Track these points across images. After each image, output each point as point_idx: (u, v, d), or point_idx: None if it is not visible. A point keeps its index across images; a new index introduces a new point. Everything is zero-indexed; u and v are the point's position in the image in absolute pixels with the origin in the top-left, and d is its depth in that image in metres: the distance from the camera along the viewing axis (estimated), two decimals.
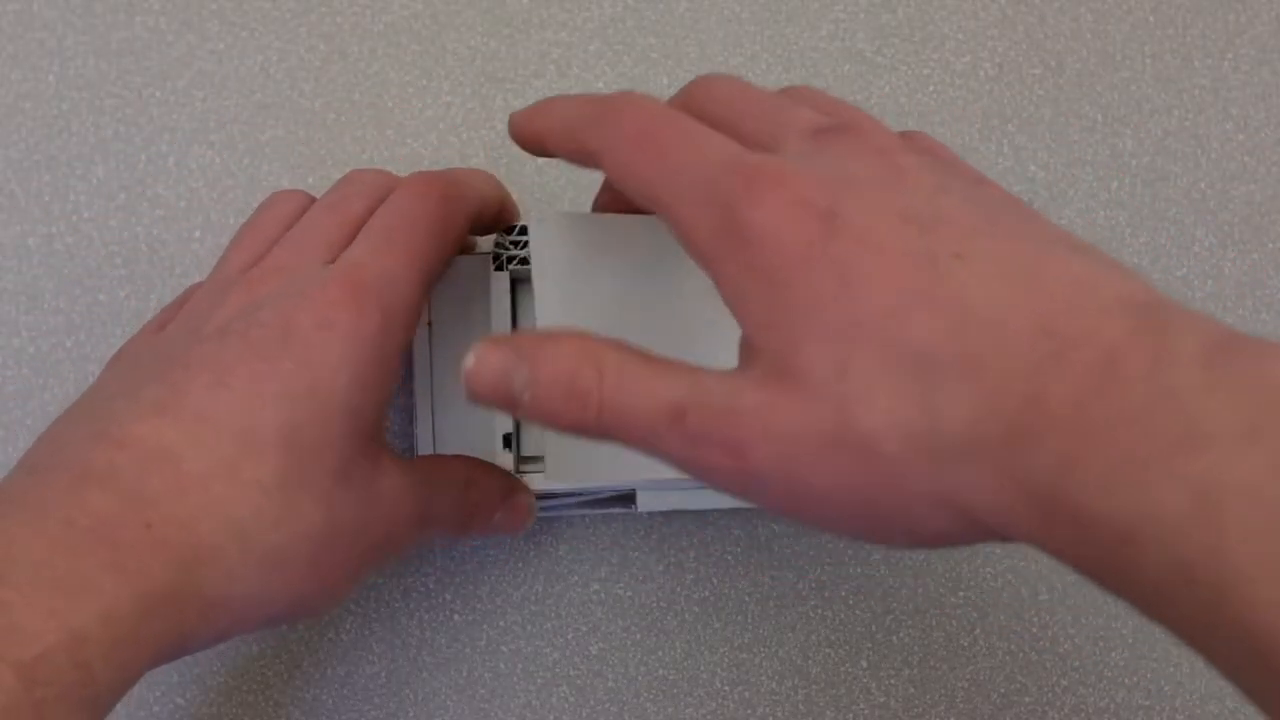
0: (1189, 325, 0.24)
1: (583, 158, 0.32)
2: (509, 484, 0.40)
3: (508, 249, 0.40)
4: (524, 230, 0.40)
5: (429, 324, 0.42)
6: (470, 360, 0.29)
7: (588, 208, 0.45)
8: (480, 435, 0.41)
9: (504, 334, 0.31)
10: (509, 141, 0.45)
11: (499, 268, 0.40)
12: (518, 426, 0.41)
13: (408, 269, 0.35)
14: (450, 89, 0.46)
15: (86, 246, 0.45)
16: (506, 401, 0.29)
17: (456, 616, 0.44)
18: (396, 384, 0.36)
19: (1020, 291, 0.26)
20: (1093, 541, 0.24)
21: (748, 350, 0.28)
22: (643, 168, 0.30)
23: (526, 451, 0.41)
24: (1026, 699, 0.44)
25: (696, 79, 0.33)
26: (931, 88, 0.46)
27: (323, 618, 0.44)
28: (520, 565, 0.44)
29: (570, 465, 0.34)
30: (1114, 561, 0.24)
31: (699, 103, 0.32)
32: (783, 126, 0.30)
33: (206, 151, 0.45)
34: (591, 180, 0.45)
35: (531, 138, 0.34)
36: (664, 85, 0.46)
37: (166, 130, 0.45)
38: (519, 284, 0.41)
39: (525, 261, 0.40)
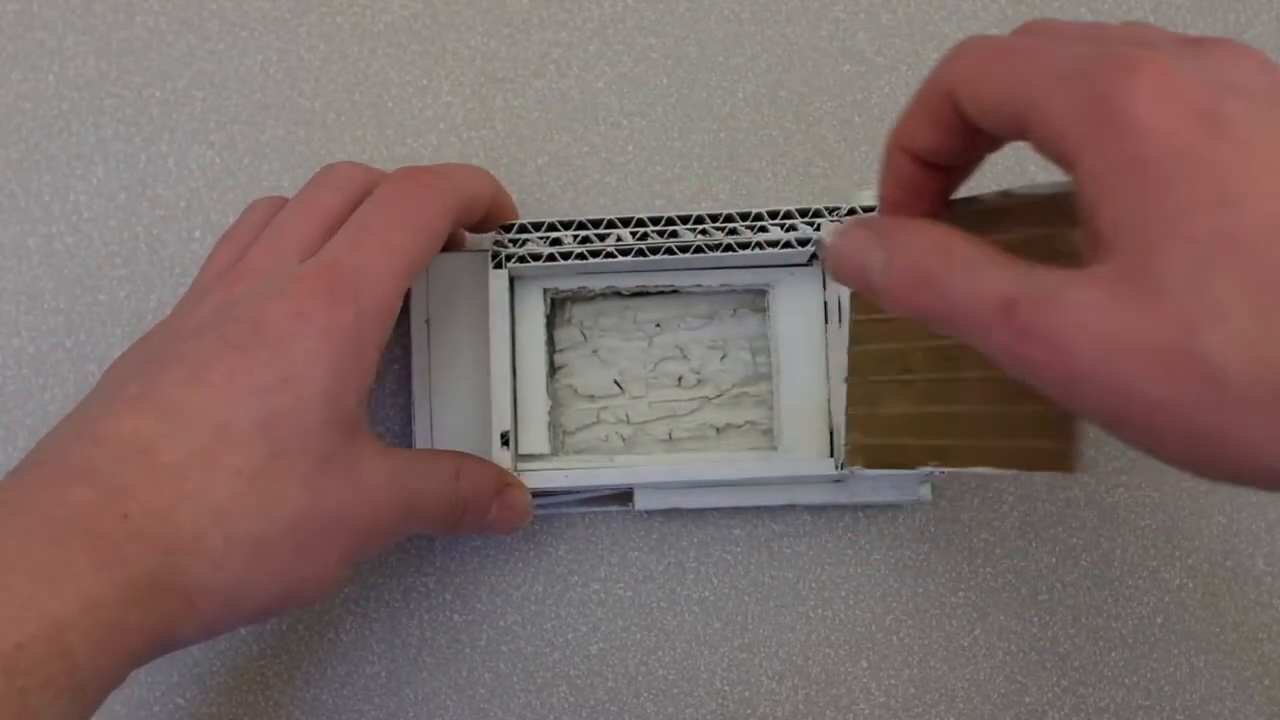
0: None
1: (943, 110, 0.30)
2: (502, 479, 0.40)
3: (506, 247, 0.40)
4: (523, 229, 0.40)
5: (427, 321, 0.42)
6: (833, 238, 0.31)
7: (587, 208, 0.45)
8: (478, 432, 0.41)
9: (868, 217, 0.32)
10: (509, 141, 0.45)
11: (498, 265, 0.40)
12: (515, 424, 0.41)
13: (385, 263, 0.36)
14: (450, 89, 0.46)
15: (86, 246, 0.45)
16: (861, 281, 0.30)
17: (456, 616, 0.44)
18: (374, 373, 0.36)
19: None
20: None
21: (1097, 247, 0.26)
22: (1002, 72, 0.28)
23: (525, 449, 0.41)
24: (1026, 699, 0.44)
25: (1027, 21, 0.32)
26: None
27: (317, 610, 0.44)
28: (520, 565, 0.44)
29: None
30: None
31: (1043, 32, 0.31)
32: (1147, 37, 0.28)
33: (206, 151, 0.45)
34: (592, 183, 0.45)
35: (894, 136, 0.32)
36: (664, 85, 0.46)
37: (166, 130, 0.45)
38: (517, 281, 0.42)
39: (523, 259, 0.40)
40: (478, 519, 0.39)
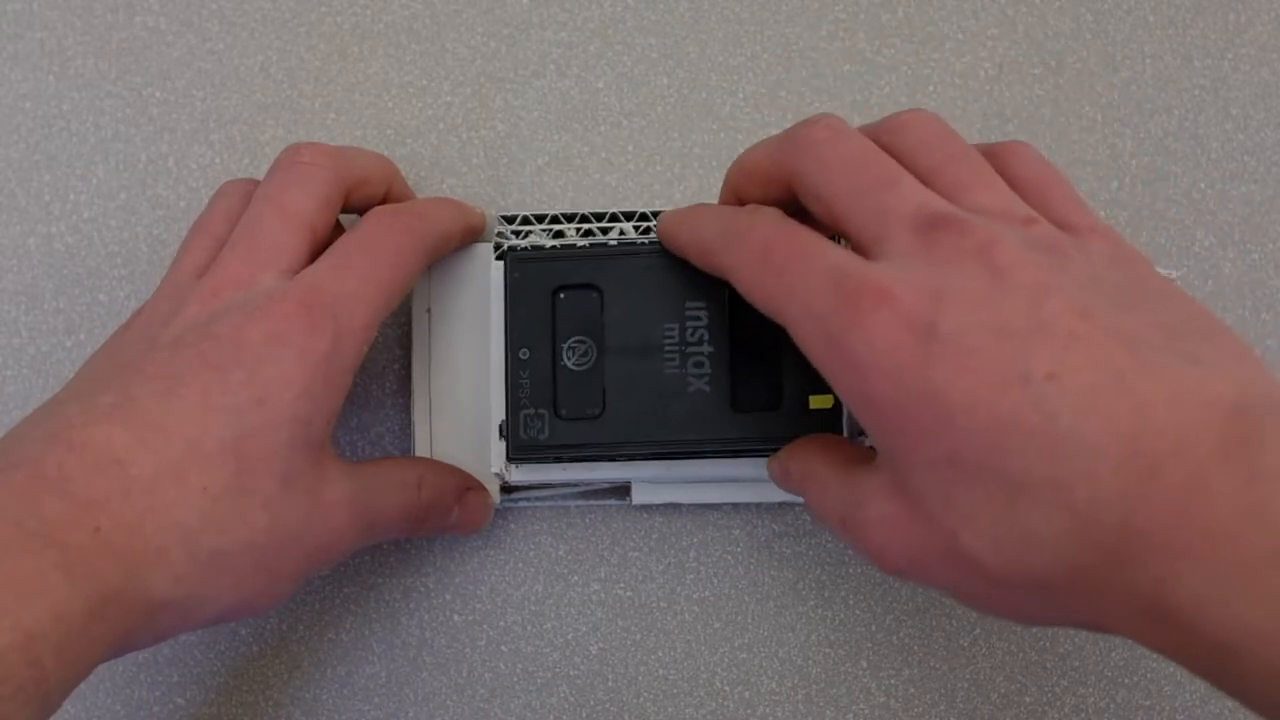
0: (1278, 430, 0.25)
1: (720, 274, 0.34)
2: (464, 483, 0.41)
3: (508, 239, 0.40)
4: (525, 220, 0.40)
5: (428, 311, 0.42)
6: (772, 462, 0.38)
7: (587, 208, 0.45)
8: (477, 423, 0.41)
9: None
10: (508, 141, 0.45)
11: (499, 258, 0.40)
12: (513, 416, 0.41)
13: (364, 293, 0.36)
14: (450, 89, 0.46)
15: (86, 246, 0.45)
16: (778, 472, 0.38)
17: (456, 616, 0.44)
18: (345, 396, 0.36)
19: (1111, 411, 0.26)
20: (1196, 651, 0.26)
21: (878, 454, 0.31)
22: (765, 286, 0.32)
23: None
24: (1026, 699, 0.44)
25: (900, 116, 0.34)
26: (931, 88, 0.46)
27: (317, 610, 0.44)
28: (520, 565, 0.44)
29: None
30: (1220, 668, 0.25)
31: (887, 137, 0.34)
32: (888, 217, 0.31)
33: (206, 151, 0.45)
34: (592, 183, 0.45)
35: (676, 250, 0.38)
36: (664, 85, 0.46)
37: (166, 130, 0.45)
38: None
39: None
40: (439, 522, 0.40)
